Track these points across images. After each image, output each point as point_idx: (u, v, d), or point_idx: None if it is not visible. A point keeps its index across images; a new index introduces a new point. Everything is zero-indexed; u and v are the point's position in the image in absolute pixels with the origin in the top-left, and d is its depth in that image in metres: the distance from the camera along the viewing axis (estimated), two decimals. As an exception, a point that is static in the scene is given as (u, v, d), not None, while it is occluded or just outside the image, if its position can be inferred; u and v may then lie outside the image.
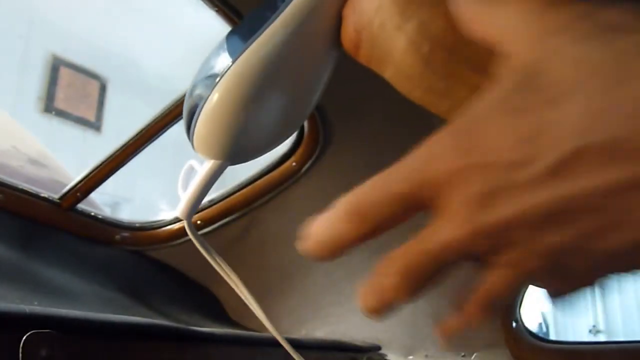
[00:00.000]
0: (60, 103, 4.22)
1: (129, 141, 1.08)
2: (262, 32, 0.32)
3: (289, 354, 0.42)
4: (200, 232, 1.21)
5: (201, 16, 0.99)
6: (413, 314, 1.24)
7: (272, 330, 0.40)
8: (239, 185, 1.20)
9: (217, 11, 0.87)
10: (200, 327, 0.75)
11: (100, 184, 1.10)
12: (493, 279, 0.23)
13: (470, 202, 0.21)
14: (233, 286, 0.40)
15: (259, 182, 1.19)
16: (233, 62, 0.32)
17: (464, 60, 0.27)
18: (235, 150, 0.34)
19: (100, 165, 1.09)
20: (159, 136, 1.08)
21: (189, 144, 0.36)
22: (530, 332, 1.21)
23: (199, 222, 1.19)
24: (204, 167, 0.36)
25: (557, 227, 0.20)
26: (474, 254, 0.22)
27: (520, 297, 1.19)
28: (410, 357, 1.23)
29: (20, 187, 1.02)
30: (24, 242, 0.96)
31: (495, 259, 0.22)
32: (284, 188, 1.18)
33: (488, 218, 0.21)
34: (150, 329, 0.63)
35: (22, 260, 0.90)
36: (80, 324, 0.53)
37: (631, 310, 5.16)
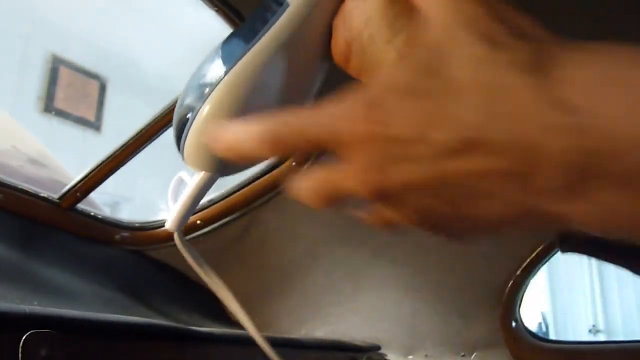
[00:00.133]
0: (60, 103, 4.22)
1: (128, 141, 1.08)
2: (254, 44, 0.32)
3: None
4: (200, 232, 1.21)
5: (201, 16, 0.99)
6: (413, 315, 1.24)
7: (251, 330, 0.40)
8: (238, 185, 1.20)
9: (217, 11, 0.87)
10: (200, 327, 0.75)
11: (100, 184, 1.10)
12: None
13: (372, 165, 0.26)
14: (220, 297, 0.40)
15: (258, 182, 1.19)
16: (225, 74, 0.32)
17: None
18: (226, 163, 0.34)
19: (100, 165, 1.09)
20: (159, 136, 1.08)
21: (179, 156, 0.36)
22: (530, 332, 1.21)
23: (198, 222, 1.19)
24: (194, 179, 0.36)
25: (434, 195, 0.26)
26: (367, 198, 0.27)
27: (520, 297, 1.19)
28: (410, 357, 1.23)
29: (20, 187, 1.02)
30: (24, 242, 0.96)
31: (383, 205, 0.28)
32: (283, 188, 1.18)
33: (384, 180, 0.26)
34: (150, 329, 0.63)
35: (22, 261, 0.90)
36: (80, 324, 0.53)
37: (631, 310, 5.16)
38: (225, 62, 0.33)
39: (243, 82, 0.32)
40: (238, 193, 1.20)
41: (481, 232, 0.28)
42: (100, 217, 1.15)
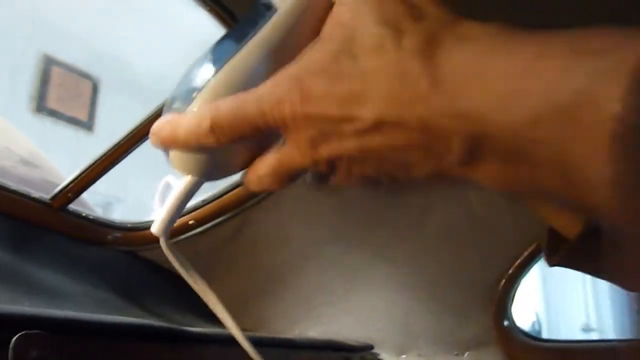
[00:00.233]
0: (52, 103, 4.20)
1: (121, 141, 1.08)
2: (241, 47, 0.33)
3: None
4: (192, 232, 1.20)
5: (194, 17, 0.99)
6: (406, 314, 1.24)
7: (233, 330, 0.40)
8: (231, 185, 1.20)
9: (209, 11, 0.87)
10: (194, 327, 0.75)
11: (92, 184, 1.10)
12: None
13: (309, 141, 0.30)
14: (206, 300, 0.40)
15: (251, 182, 1.19)
16: (212, 76, 0.33)
17: None
18: (211, 167, 0.35)
19: (92, 165, 1.08)
20: (151, 136, 1.07)
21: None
22: (523, 331, 1.21)
23: (191, 222, 1.19)
24: (179, 183, 0.36)
25: (362, 163, 0.30)
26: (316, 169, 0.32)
27: (512, 296, 1.20)
28: (403, 356, 1.24)
29: (11, 187, 1.02)
30: (16, 243, 0.95)
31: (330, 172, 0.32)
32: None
33: (321, 153, 0.30)
34: (143, 329, 0.63)
35: (14, 262, 0.90)
36: (72, 325, 0.53)
37: (623, 308, 5.18)
38: (212, 64, 0.33)
39: (229, 85, 0.33)
40: (230, 193, 1.19)
41: (411, 185, 0.33)
42: (92, 217, 1.15)
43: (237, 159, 0.34)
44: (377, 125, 0.28)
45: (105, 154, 1.08)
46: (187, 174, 0.35)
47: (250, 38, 0.33)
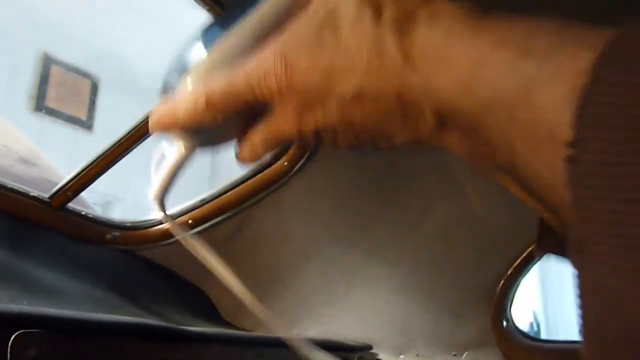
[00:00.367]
0: (51, 102, 4.19)
1: (120, 140, 1.08)
2: (232, 30, 0.35)
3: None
4: (191, 232, 1.20)
5: (193, 16, 0.99)
6: (404, 314, 1.24)
7: (275, 329, 0.41)
8: (230, 184, 1.20)
9: (208, 10, 0.87)
10: (192, 326, 0.75)
11: (91, 183, 1.10)
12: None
13: (295, 111, 0.32)
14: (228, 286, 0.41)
15: (250, 181, 1.19)
16: (204, 58, 0.35)
17: None
18: (209, 140, 0.37)
19: (91, 164, 1.08)
20: (150, 135, 1.07)
21: None
22: (521, 332, 1.21)
23: (190, 221, 1.19)
24: (173, 152, 0.38)
25: (343, 129, 0.32)
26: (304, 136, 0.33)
27: (511, 297, 1.19)
28: (402, 356, 1.24)
29: (10, 186, 1.02)
30: (14, 242, 0.95)
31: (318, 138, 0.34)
32: (275, 187, 1.18)
33: (306, 122, 0.32)
34: (141, 328, 0.63)
35: (12, 260, 0.90)
36: (70, 324, 0.53)
37: (621, 309, 5.18)
38: (204, 46, 0.36)
39: (221, 64, 0.34)
40: (230, 192, 1.19)
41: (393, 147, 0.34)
42: (91, 216, 1.15)
43: (232, 130, 0.36)
44: (358, 97, 0.30)
45: (104, 153, 1.08)
46: (189, 148, 0.37)
47: (241, 20, 0.35)
